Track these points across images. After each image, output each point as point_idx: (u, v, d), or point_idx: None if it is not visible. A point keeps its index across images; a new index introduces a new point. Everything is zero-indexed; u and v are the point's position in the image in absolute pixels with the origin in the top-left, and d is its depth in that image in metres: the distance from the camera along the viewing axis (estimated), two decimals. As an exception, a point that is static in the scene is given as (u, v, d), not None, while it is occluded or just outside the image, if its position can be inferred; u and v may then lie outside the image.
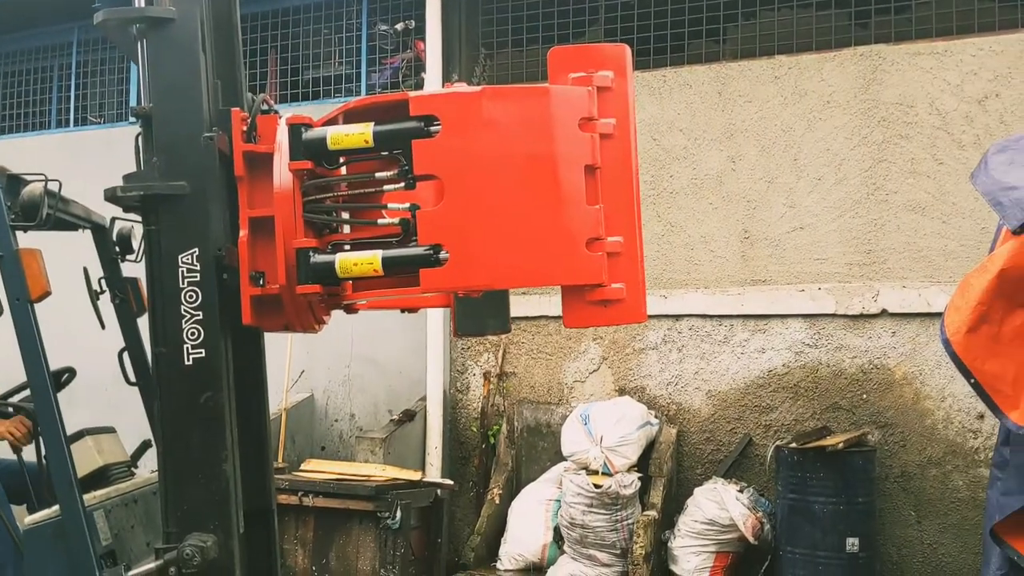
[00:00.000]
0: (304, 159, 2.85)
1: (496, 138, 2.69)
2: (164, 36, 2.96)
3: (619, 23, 7.37)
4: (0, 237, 3.32)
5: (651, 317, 6.38)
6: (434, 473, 7.15)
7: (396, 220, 2.90)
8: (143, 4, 3.02)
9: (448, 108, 2.72)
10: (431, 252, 2.73)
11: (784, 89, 6.72)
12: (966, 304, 4.26)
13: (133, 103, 8.85)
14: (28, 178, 3.50)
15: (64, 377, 4.12)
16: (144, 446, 4.15)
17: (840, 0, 6.78)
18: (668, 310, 6.89)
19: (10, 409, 3.98)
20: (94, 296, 3.93)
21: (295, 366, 7.40)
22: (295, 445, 7.48)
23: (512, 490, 6.95)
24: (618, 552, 6.15)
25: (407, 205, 2.83)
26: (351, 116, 2.91)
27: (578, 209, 2.74)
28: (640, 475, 6.35)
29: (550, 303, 7.14)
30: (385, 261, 2.79)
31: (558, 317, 7.32)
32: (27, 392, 3.74)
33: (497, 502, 6.86)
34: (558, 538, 6.39)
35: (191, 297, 2.93)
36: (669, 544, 6.19)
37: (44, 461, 3.50)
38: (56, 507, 3.34)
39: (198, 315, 2.93)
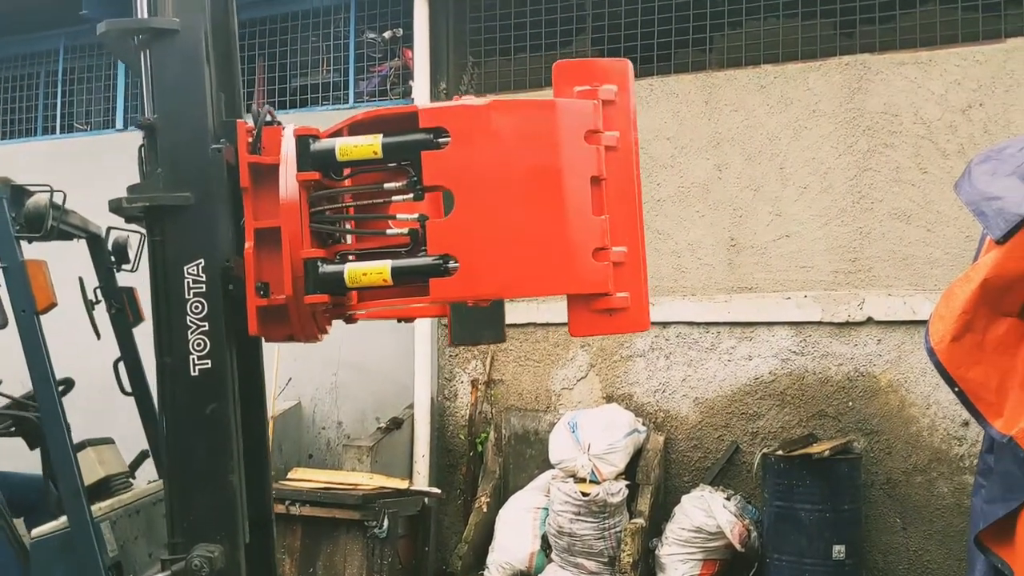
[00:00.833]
0: (312, 170, 2.88)
1: (504, 150, 2.74)
2: (168, 47, 2.98)
3: (606, 32, 7.40)
4: (5, 248, 3.30)
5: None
6: (421, 481, 7.15)
7: (405, 230, 2.94)
8: (145, 15, 3.05)
9: (457, 120, 2.75)
10: (440, 262, 2.76)
11: (770, 98, 6.76)
12: (950, 313, 4.29)
13: (120, 111, 8.84)
14: (32, 188, 3.49)
15: (62, 388, 4.05)
16: (142, 456, 4.14)
17: (825, 10, 6.82)
18: (655, 317, 6.90)
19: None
20: (90, 306, 3.91)
21: (282, 373, 7.38)
22: (282, 453, 7.45)
23: (500, 498, 6.95)
24: (606, 560, 6.16)
25: (416, 216, 2.88)
26: (358, 128, 2.93)
27: (584, 220, 2.79)
28: (628, 483, 6.37)
29: (538, 310, 7.15)
30: (395, 271, 2.82)
31: (546, 324, 7.39)
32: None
33: (485, 510, 6.86)
34: (546, 546, 6.40)
35: (197, 308, 2.94)
36: (657, 552, 6.20)
37: (49, 472, 3.51)
38: (62, 519, 3.33)
39: (204, 326, 2.94)
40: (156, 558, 3.51)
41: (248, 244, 2.91)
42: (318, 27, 8.27)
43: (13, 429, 3.86)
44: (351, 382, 7.76)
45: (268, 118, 3.03)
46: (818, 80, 6.65)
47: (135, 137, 3.18)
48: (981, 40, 6.39)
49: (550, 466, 6.62)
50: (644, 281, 2.91)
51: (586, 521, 6.11)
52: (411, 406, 7.37)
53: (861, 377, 6.43)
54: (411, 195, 2.88)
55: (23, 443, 3.91)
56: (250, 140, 2.95)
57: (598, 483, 6.16)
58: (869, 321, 6.39)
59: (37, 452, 3.84)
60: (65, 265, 3.97)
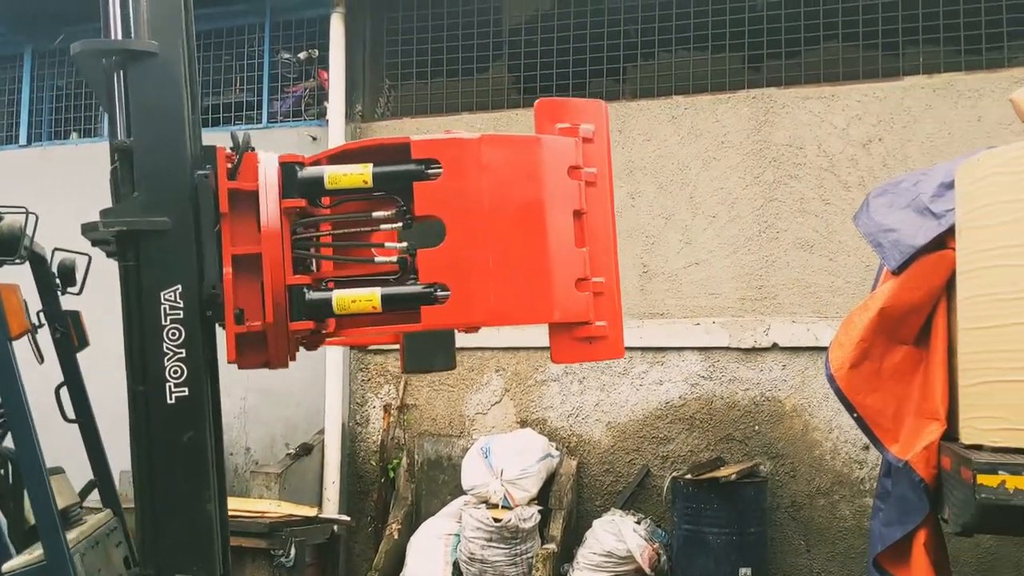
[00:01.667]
0: (298, 197, 2.92)
1: (494, 182, 2.83)
2: (146, 70, 2.95)
3: (523, 59, 7.48)
4: None
5: (552, 350, 6.46)
6: (331, 508, 7.02)
7: (394, 258, 2.99)
8: (119, 36, 3.01)
9: (449, 153, 2.85)
10: (432, 290, 2.83)
11: (681, 129, 6.91)
12: (849, 341, 4.44)
13: (24, 127, 8.52)
14: (3, 211, 3.42)
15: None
16: (90, 486, 4.04)
17: (734, 44, 7.02)
18: (569, 343, 6.95)
19: None
20: (32, 329, 3.77)
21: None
22: (187, 480, 7.22)
23: (412, 525, 6.87)
24: (517, 586, 6.14)
25: (405, 245, 2.94)
26: (341, 157, 2.99)
27: (568, 251, 2.91)
28: (540, 508, 6.37)
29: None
30: (385, 298, 2.88)
31: (460, 348, 7.30)
32: None
33: (396, 537, 6.77)
34: (457, 573, 6.34)
35: (174, 334, 2.90)
36: (568, 576, 6.21)
37: (11, 506, 3.47)
38: (36, 552, 3.26)
39: (181, 352, 2.90)
40: None
41: (227, 270, 2.90)
42: (232, 46, 8.14)
43: None
44: (260, 407, 7.60)
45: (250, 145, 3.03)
46: (727, 112, 6.82)
47: (39, 152, 3.08)
48: (881, 77, 6.66)
49: (463, 492, 6.58)
50: (619, 310, 3.04)
51: (498, 547, 6.09)
52: (322, 431, 7.25)
53: (767, 402, 6.58)
54: (400, 224, 2.94)
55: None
56: (229, 166, 2.95)
57: (511, 508, 6.15)
58: (774, 347, 6.55)
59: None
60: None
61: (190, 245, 2.94)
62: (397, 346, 3.38)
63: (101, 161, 3.39)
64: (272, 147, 3.13)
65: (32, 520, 3.47)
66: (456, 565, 6.33)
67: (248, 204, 2.95)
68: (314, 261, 3.10)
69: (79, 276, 3.83)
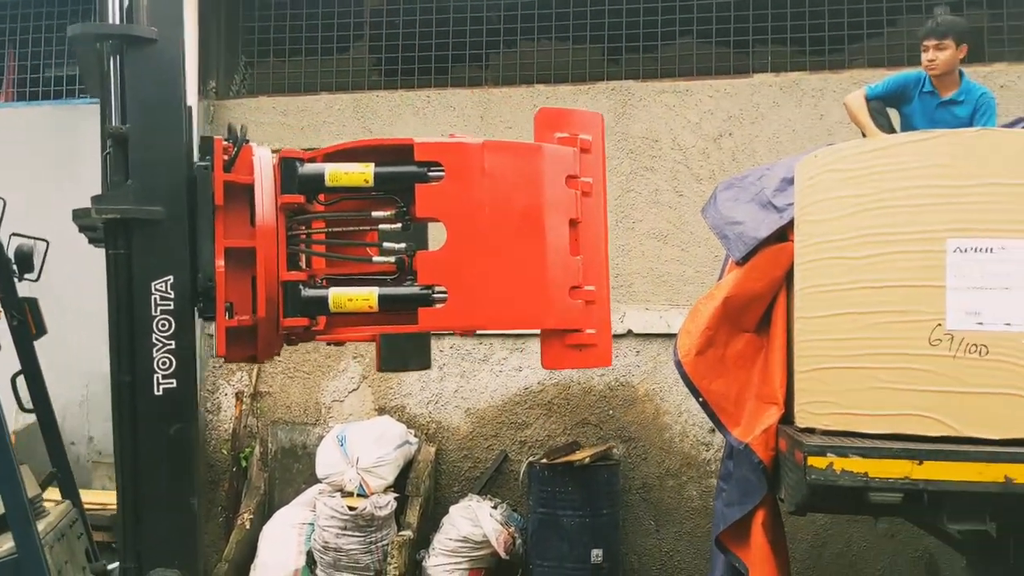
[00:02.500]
0: (297, 193, 2.90)
1: (495, 188, 2.84)
2: (144, 56, 2.89)
3: (384, 40, 7.38)
4: None
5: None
6: (181, 499, 6.76)
7: (392, 259, 2.99)
8: (117, 21, 2.95)
9: (452, 156, 2.85)
10: (429, 292, 2.83)
11: (542, 117, 6.95)
12: (696, 328, 4.58)
13: None
14: None
15: None
16: (51, 477, 3.93)
17: (594, 35, 7.12)
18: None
19: None
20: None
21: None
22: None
23: (264, 515, 6.71)
24: (372, 574, 6.09)
25: (403, 246, 2.95)
26: (341, 155, 2.98)
27: (563, 258, 2.95)
28: (397, 495, 6.33)
29: (309, 321, 6.98)
30: (382, 298, 2.87)
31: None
32: None
33: (248, 527, 6.59)
34: (311, 562, 6.23)
35: (163, 325, 2.85)
36: (424, 564, 6.20)
37: None
38: (6, 545, 3.21)
39: (170, 344, 2.85)
40: None
41: (219, 263, 2.87)
42: (75, 15, 7.69)
43: None
44: (103, 394, 7.20)
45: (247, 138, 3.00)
46: (587, 102, 6.92)
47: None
48: (732, 74, 6.89)
49: (318, 481, 6.47)
50: (609, 319, 3.09)
51: (352, 535, 6.02)
52: (171, 420, 6.97)
53: (621, 387, 6.74)
54: (399, 225, 2.95)
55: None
56: (226, 158, 2.92)
57: (366, 497, 6.08)
58: (629, 334, 6.71)
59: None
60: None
61: (183, 236, 2.90)
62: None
63: None
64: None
65: None
66: (310, 554, 6.22)
67: (242, 197, 2.93)
68: (305, 258, 3.07)
69: (37, 262, 3.73)
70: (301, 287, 2.91)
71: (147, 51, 2.89)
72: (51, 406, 3.95)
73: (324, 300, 2.89)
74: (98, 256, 3.04)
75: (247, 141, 2.97)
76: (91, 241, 3.15)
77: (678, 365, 4.62)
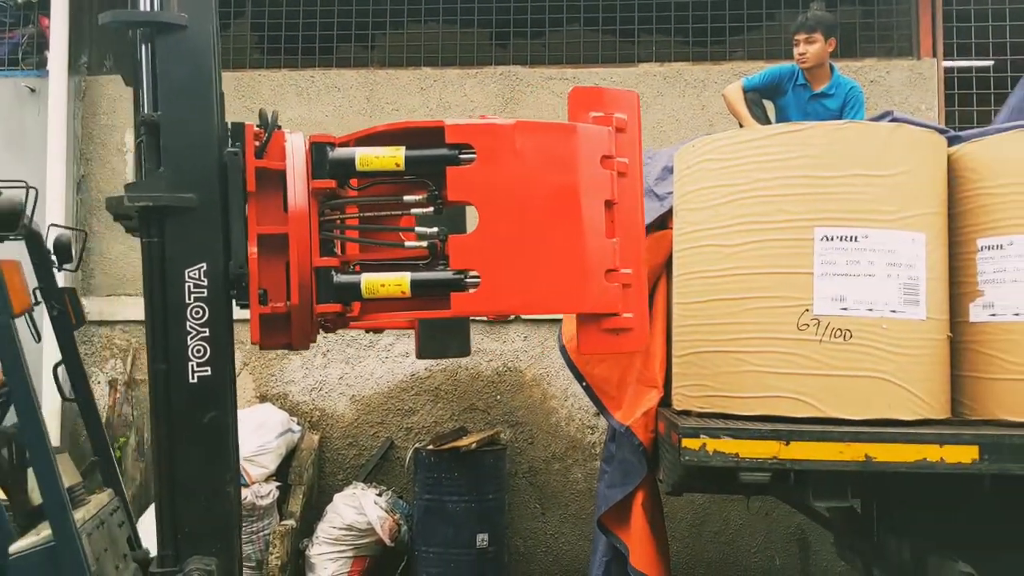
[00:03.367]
0: (328, 178, 2.86)
1: (528, 169, 2.81)
2: (175, 43, 2.87)
3: (267, 19, 7.18)
4: None
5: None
6: (50, 492, 6.47)
7: (424, 243, 2.95)
8: (148, 8, 2.90)
9: (484, 138, 2.80)
10: (461, 276, 2.80)
11: (429, 100, 6.90)
12: (579, 314, 4.62)
13: None
14: (2, 186, 3.32)
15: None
16: (92, 466, 3.90)
17: (482, 20, 7.10)
18: (313, 314, 6.80)
19: None
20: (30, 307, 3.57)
21: None
22: None
23: (140, 506, 6.48)
24: (254, 564, 5.95)
25: (436, 230, 2.91)
26: (372, 139, 2.92)
27: (599, 241, 2.89)
28: (279, 484, 6.20)
29: (187, 306, 6.76)
30: (414, 283, 2.85)
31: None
32: None
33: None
34: (190, 554, 6.05)
35: (197, 313, 2.84)
36: (307, 553, 6.10)
37: (13, 487, 3.42)
38: (43, 533, 3.19)
39: (204, 332, 2.84)
40: (122, 571, 3.34)
41: (252, 250, 2.85)
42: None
43: None
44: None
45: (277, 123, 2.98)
46: (475, 87, 6.89)
47: None
48: (618, 63, 6.98)
49: (197, 470, 6.27)
50: (645, 302, 3.03)
51: (233, 526, 5.87)
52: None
53: (509, 372, 6.77)
54: (431, 209, 2.92)
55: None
56: (257, 144, 2.90)
57: (247, 486, 5.94)
58: (517, 319, 6.73)
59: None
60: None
61: (216, 223, 2.88)
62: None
63: None
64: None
65: (35, 501, 3.37)
66: (189, 546, 6.04)
67: (274, 183, 2.91)
68: (340, 243, 3.05)
69: (75, 252, 3.69)
70: (334, 273, 2.89)
71: (178, 37, 2.87)
72: (92, 395, 3.92)
73: (357, 286, 2.88)
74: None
75: (279, 127, 2.96)
76: (128, 230, 3.15)
77: (562, 350, 4.67)
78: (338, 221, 3.03)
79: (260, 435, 6.13)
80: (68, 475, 3.66)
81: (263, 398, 6.81)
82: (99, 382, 6.88)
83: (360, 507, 6.05)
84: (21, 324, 3.41)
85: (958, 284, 3.63)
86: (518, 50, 7.11)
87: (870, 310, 3.42)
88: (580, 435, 6.70)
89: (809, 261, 3.47)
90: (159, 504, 2.92)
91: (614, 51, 7.05)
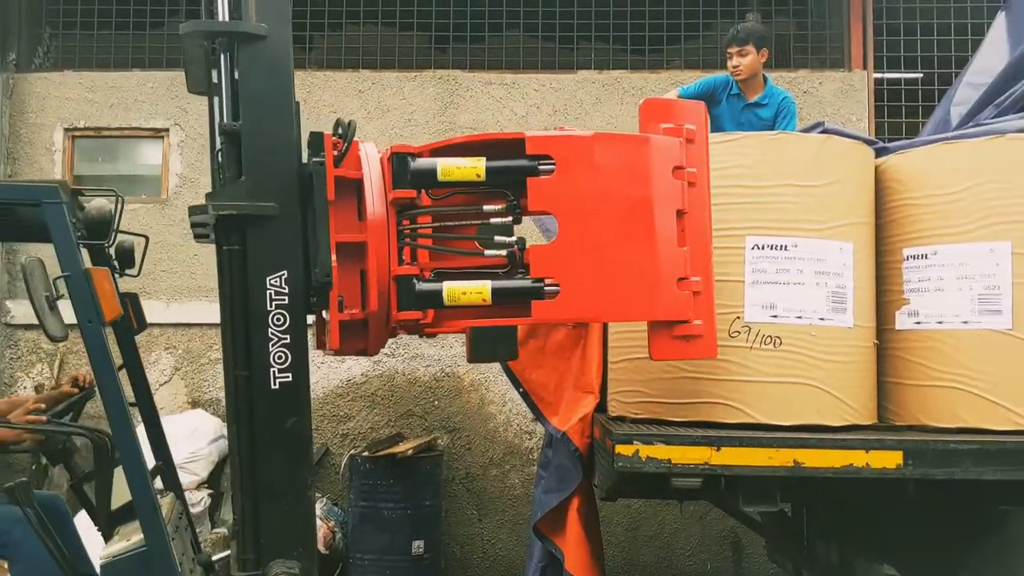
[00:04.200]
0: (409, 188, 2.92)
1: (605, 180, 2.89)
2: (254, 52, 2.90)
3: (203, 17, 7.02)
4: (67, 256, 3.06)
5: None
6: (-30, 502, 6.26)
7: (503, 252, 3.00)
8: (226, 18, 2.97)
9: (563, 150, 2.89)
10: (541, 285, 2.88)
11: (368, 103, 6.85)
12: (516, 319, 4.62)
13: None
14: (88, 192, 3.39)
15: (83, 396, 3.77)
16: (156, 470, 3.83)
17: (421, 23, 7.06)
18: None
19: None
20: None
21: None
22: None
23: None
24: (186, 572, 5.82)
25: (514, 239, 2.97)
26: (451, 150, 2.98)
27: (671, 250, 2.96)
28: (211, 492, 6.09)
29: (117, 310, 6.60)
30: (495, 292, 2.91)
31: (125, 325, 6.77)
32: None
33: (47, 530, 6.17)
34: (117, 564, 5.91)
35: (279, 320, 2.88)
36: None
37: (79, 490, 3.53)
38: (134, 539, 3.16)
39: (285, 338, 2.89)
40: (194, 574, 3.37)
41: (332, 258, 2.89)
42: None
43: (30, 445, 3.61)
44: None
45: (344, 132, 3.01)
46: (414, 90, 6.86)
47: None
48: (557, 69, 7.00)
49: (126, 478, 6.13)
50: (713, 310, 3.08)
51: (162, 535, 5.74)
52: (-41, 417, 6.43)
53: (447, 377, 6.74)
54: (510, 218, 2.97)
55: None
56: (336, 153, 2.93)
57: (177, 494, 5.81)
58: (454, 324, 6.71)
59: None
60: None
61: (296, 231, 2.93)
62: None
63: None
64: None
65: (113, 506, 3.40)
66: (117, 556, 5.89)
67: (348, 192, 2.95)
68: (411, 251, 3.07)
69: (137, 257, 3.63)
70: (415, 281, 2.94)
71: (257, 47, 2.90)
72: (153, 400, 3.89)
73: (439, 293, 2.93)
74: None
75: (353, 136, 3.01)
76: (197, 237, 3.18)
77: (498, 356, 4.66)
78: (412, 230, 3.07)
79: (192, 442, 6.01)
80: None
81: (195, 404, 6.67)
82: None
83: (294, 514, 5.96)
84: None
85: (884, 292, 3.71)
86: (458, 54, 7.10)
87: (799, 318, 3.47)
88: (518, 440, 6.70)
89: (741, 269, 3.51)
90: (241, 508, 2.95)
91: (553, 57, 7.08)
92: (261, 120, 2.91)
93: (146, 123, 6.91)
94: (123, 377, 3.78)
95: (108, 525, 3.42)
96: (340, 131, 3.03)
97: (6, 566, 3.69)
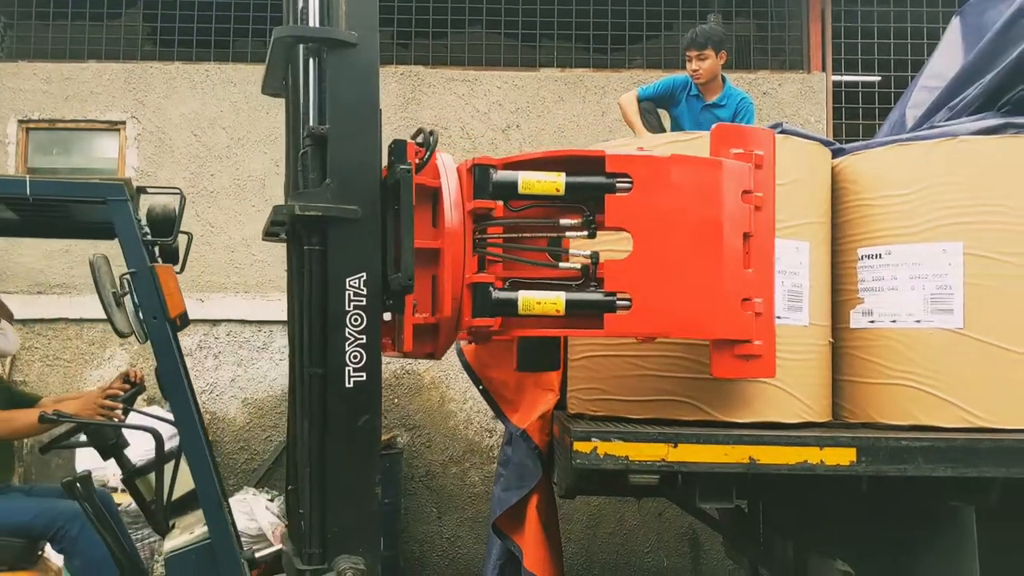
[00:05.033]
0: (489, 199, 3.03)
1: (679, 200, 2.97)
2: (344, 59, 2.97)
3: (160, 9, 6.96)
4: (133, 253, 3.18)
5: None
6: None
7: (578, 265, 3.11)
8: (316, 24, 3.02)
9: (642, 169, 2.98)
10: (613, 299, 2.97)
11: (329, 98, 6.78)
12: (471, 316, 4.61)
13: None
14: (151, 190, 3.52)
15: (133, 391, 3.82)
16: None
17: (384, 19, 6.99)
18: (205, 314, 6.62)
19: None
20: (136, 308, 3.53)
21: None
22: None
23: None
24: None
25: (589, 253, 3.07)
26: (523, 164, 3.08)
27: (737, 271, 3.03)
28: (166, 489, 6.00)
29: (70, 304, 6.50)
30: (569, 303, 3.01)
31: (80, 320, 6.73)
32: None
33: (-3, 529, 6.05)
34: (70, 564, 5.81)
35: (356, 321, 2.95)
36: (194, 560, 5.91)
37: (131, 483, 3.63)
38: (197, 531, 3.34)
39: (362, 339, 2.96)
40: (242, 568, 3.39)
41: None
42: None
43: (84, 439, 3.71)
44: None
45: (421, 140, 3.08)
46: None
47: None
48: (520, 67, 7.00)
49: (79, 476, 6.03)
50: (773, 331, 3.14)
51: (116, 534, 5.65)
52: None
53: (407, 375, 6.71)
54: (585, 233, 3.06)
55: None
56: (417, 161, 3.01)
57: (132, 492, 5.73)
58: (415, 322, 6.68)
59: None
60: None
61: (376, 235, 3.00)
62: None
63: None
64: None
65: (173, 496, 3.56)
66: (68, 556, 5.79)
67: (425, 199, 3.06)
68: (481, 259, 3.14)
69: (181, 254, 3.67)
70: (491, 289, 3.03)
71: (347, 54, 2.96)
72: (195, 396, 3.85)
73: (514, 302, 3.03)
74: None
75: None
76: (268, 235, 3.26)
77: (460, 353, 4.65)
78: (484, 239, 3.14)
79: (148, 440, 5.90)
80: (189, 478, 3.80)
81: (150, 401, 6.56)
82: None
83: (251, 513, 5.90)
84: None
85: (839, 291, 3.75)
86: (420, 50, 7.07)
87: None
88: (478, 438, 6.69)
89: (699, 267, 3.52)
90: (309, 504, 2.99)
91: (516, 55, 7.08)
92: (347, 126, 2.98)
93: (102, 115, 6.81)
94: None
95: (163, 519, 3.58)
96: (421, 140, 3.09)
97: (52, 561, 3.84)
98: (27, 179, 3.25)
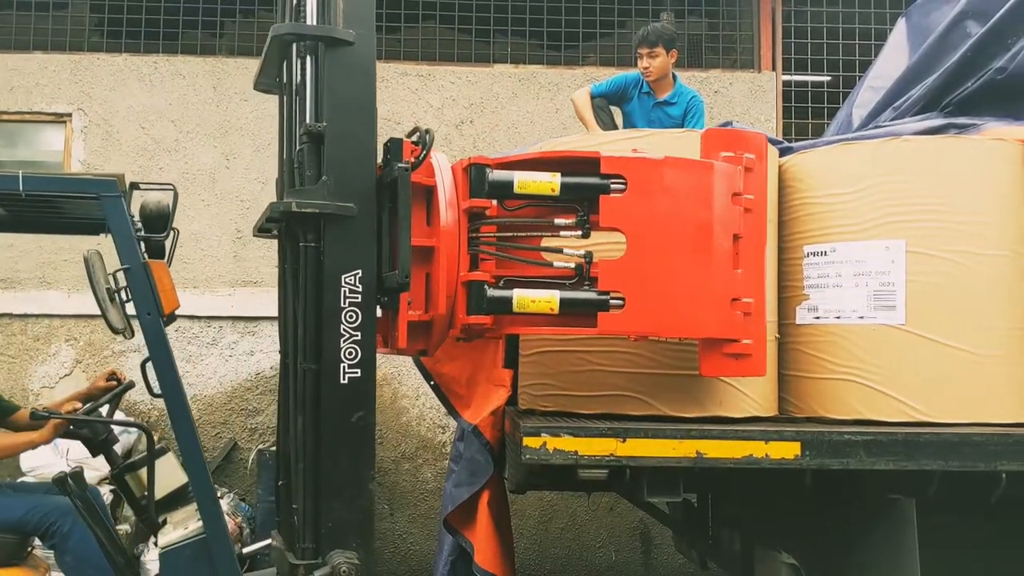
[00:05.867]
0: (485, 198, 3.05)
1: (672, 202, 3.01)
2: (341, 57, 2.99)
3: (107, 0, 6.83)
4: (126, 249, 3.17)
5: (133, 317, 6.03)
6: None
7: (572, 264, 3.12)
8: (313, 22, 3.04)
9: (635, 170, 3.00)
10: (607, 298, 2.99)
11: (280, 92, 6.72)
12: (428, 312, 4.60)
13: None
14: (144, 186, 3.50)
15: (121, 388, 3.94)
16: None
17: (337, 12, 6.95)
18: (153, 310, 6.51)
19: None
20: (121, 303, 3.52)
21: None
22: None
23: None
24: (84, 573, 5.65)
25: (583, 252, 3.09)
26: (518, 164, 3.12)
27: (727, 272, 3.08)
28: (114, 488, 5.90)
29: (14, 298, 6.37)
30: (563, 302, 3.03)
31: (25, 316, 6.59)
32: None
33: (-64, 530, 5.91)
34: (12, 564, 5.70)
35: (351, 317, 2.97)
36: (143, 559, 5.82)
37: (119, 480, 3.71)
38: (191, 527, 3.32)
39: (357, 335, 2.98)
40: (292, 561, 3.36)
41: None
42: None
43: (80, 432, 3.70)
44: None
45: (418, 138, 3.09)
46: (328, 80, 6.75)
47: None
48: (473, 62, 6.99)
49: (23, 475, 5.91)
50: (764, 330, 3.18)
51: (60, 533, 5.55)
52: None
53: (359, 371, 6.66)
54: (579, 233, 3.08)
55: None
56: (413, 160, 3.02)
57: (77, 490, 5.63)
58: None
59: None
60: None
61: (371, 232, 3.02)
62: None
63: None
64: None
65: (157, 494, 3.55)
66: (11, 556, 5.68)
67: (419, 198, 3.07)
68: (474, 257, 3.15)
69: (167, 249, 3.67)
70: (486, 287, 3.04)
71: (344, 52, 2.98)
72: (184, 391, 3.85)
73: (509, 300, 3.03)
74: None
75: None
76: (261, 231, 3.27)
77: (410, 349, 4.63)
78: (478, 238, 3.15)
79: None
80: (179, 475, 3.80)
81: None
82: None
83: (200, 511, 5.83)
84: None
85: (786, 288, 3.80)
86: (377, 44, 7.01)
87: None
88: (431, 435, 6.68)
89: (647, 264, 3.54)
90: (302, 499, 3.01)
91: (469, 50, 7.07)
92: (344, 124, 2.99)
93: (48, 107, 6.67)
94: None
95: (153, 513, 3.57)
96: (417, 138, 3.10)
97: (41, 558, 3.83)
98: (20, 174, 3.22)
